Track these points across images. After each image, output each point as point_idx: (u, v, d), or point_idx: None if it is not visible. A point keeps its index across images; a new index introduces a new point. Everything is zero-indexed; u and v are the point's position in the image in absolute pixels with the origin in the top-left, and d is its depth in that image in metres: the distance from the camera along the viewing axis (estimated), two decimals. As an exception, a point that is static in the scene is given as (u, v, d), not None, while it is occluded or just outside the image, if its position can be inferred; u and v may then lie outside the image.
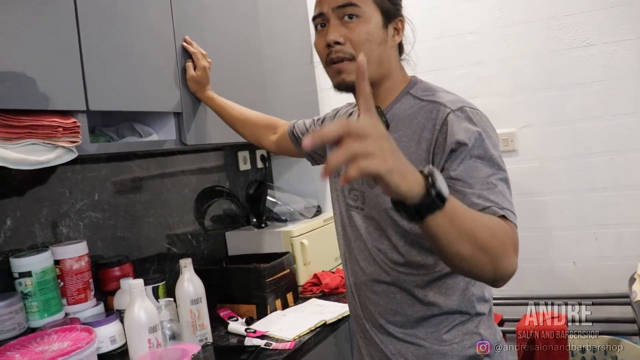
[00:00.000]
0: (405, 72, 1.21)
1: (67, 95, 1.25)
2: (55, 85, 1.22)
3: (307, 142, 0.63)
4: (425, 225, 0.75)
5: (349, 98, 1.25)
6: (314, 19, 1.17)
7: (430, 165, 0.71)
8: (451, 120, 1.03)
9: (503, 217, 0.92)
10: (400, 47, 1.20)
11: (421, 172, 0.72)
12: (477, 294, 1.14)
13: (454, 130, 1.01)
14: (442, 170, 1.01)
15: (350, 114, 1.35)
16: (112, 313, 1.52)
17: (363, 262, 1.20)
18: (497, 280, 0.88)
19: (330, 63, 1.13)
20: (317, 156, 1.56)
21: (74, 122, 1.25)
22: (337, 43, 1.10)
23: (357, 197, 1.21)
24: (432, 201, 0.71)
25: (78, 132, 1.25)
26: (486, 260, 0.83)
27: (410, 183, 0.69)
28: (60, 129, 1.21)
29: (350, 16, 1.10)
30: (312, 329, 1.70)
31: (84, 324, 1.39)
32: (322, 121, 1.50)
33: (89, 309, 1.53)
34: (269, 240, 2.20)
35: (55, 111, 1.22)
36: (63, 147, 1.23)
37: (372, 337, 1.22)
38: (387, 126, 1.14)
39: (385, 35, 1.13)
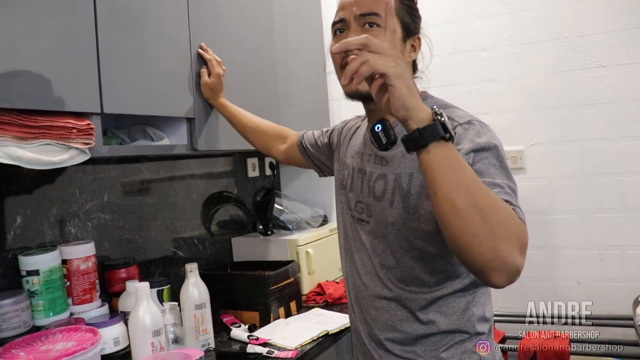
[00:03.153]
0: (417, 88, 1.21)
1: (83, 97, 1.27)
2: (71, 87, 1.23)
3: (335, 48, 0.85)
4: (426, 157, 0.78)
5: (359, 109, 1.25)
6: (334, 24, 1.17)
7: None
8: (458, 133, 1.03)
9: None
10: (414, 66, 1.22)
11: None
12: (478, 314, 1.13)
13: (460, 141, 1.01)
14: None
15: (358, 127, 1.35)
16: (117, 314, 1.52)
17: (365, 276, 1.20)
18: (495, 269, 0.78)
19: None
20: (324, 167, 1.57)
21: (88, 124, 1.26)
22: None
23: (362, 210, 1.21)
24: (437, 128, 0.75)
25: (92, 134, 1.27)
26: (483, 229, 0.76)
27: (417, 102, 0.76)
28: (75, 131, 1.22)
29: (371, 24, 1.10)
30: (315, 338, 1.70)
31: (88, 324, 1.40)
32: (331, 133, 1.50)
33: (93, 309, 1.54)
34: (274, 248, 2.21)
35: (70, 113, 1.24)
36: (76, 148, 1.24)
37: (370, 352, 1.21)
38: (395, 140, 1.14)
39: (402, 49, 1.14)
